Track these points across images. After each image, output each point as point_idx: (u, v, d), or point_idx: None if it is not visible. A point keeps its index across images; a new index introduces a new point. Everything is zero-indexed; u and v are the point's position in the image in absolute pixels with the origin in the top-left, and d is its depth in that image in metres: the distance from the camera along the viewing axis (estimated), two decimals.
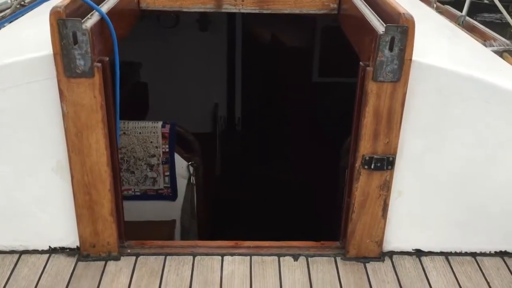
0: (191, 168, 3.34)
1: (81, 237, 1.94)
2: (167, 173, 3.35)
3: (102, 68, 1.70)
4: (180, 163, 3.33)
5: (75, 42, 1.64)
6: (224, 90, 5.28)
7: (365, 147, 1.84)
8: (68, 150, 1.80)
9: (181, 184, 3.39)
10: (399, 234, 2.02)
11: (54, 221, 1.96)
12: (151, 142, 3.27)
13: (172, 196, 3.41)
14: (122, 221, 2.05)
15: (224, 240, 2.11)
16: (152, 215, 3.44)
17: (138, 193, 3.39)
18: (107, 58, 1.75)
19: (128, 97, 4.81)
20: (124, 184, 3.34)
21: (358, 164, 1.87)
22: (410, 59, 1.72)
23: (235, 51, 5.24)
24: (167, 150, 3.29)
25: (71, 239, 1.99)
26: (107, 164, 1.83)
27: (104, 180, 1.85)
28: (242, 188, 5.30)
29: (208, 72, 5.17)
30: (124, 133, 3.23)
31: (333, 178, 3.80)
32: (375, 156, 1.85)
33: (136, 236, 3.33)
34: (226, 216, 4.86)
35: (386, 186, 1.90)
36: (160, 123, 3.25)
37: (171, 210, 3.45)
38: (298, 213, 4.96)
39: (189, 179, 3.37)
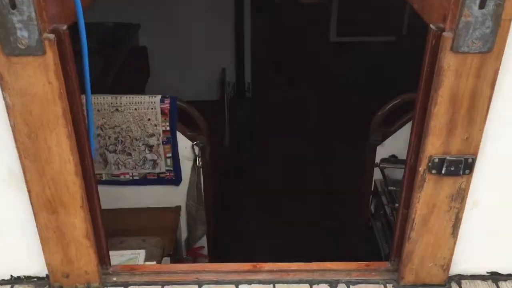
0: (196, 149, 2.78)
1: (49, 265, 1.41)
2: (169, 155, 2.79)
3: (57, 41, 1.12)
4: (184, 143, 2.77)
5: (13, 5, 1.05)
6: (232, 53, 4.66)
7: (434, 145, 1.27)
8: (20, 156, 1.24)
9: (186, 167, 2.83)
10: (471, 253, 1.47)
11: (14, 245, 1.43)
12: (149, 119, 2.70)
13: (176, 180, 2.86)
14: (103, 242, 1.50)
15: (239, 262, 1.56)
16: (154, 201, 2.90)
17: (137, 178, 2.85)
18: (65, 27, 1.17)
19: (124, 64, 4.24)
20: (120, 168, 2.79)
21: (422, 167, 1.30)
22: (510, 20, 1.13)
23: (244, 10, 4.58)
24: (167, 128, 2.72)
25: (37, 267, 1.46)
26: (75, 173, 1.27)
27: (74, 194, 1.29)
28: (253, 159, 4.76)
29: (213, 33, 4.54)
30: (117, 109, 2.65)
31: (357, 151, 3.24)
32: (448, 158, 1.28)
33: (136, 225, 2.83)
34: (236, 190, 4.34)
35: (460, 196, 1.33)
36: (158, 98, 2.66)
37: (175, 196, 2.91)
38: (313, 188, 4.43)
39: (194, 161, 2.81)
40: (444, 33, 1.16)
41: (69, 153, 1.24)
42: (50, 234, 1.35)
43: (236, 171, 4.58)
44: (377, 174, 2.88)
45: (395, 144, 2.83)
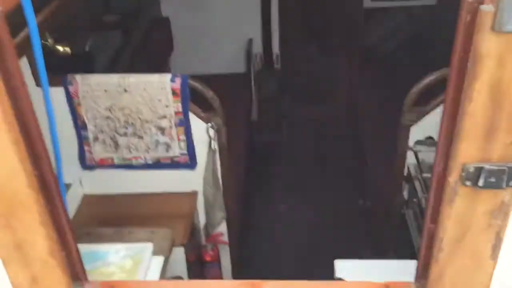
0: (211, 131, 2.54)
1: (15, 285, 1.22)
2: (182, 137, 2.56)
3: None
4: (198, 125, 2.53)
5: None
6: (259, 23, 4.34)
7: (468, 151, 0.98)
8: None
9: (201, 150, 2.60)
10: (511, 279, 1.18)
11: None
12: (160, 100, 2.46)
13: (191, 164, 2.64)
14: (75, 258, 1.29)
15: (237, 280, 1.32)
16: (169, 186, 2.70)
17: (150, 162, 2.64)
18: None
19: (145, 38, 4.01)
20: (132, 152, 2.59)
21: (454, 177, 1.02)
22: None
23: None
24: (180, 109, 2.48)
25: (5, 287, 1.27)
26: (29, 186, 1.05)
27: (29, 207, 1.08)
28: (282, 134, 4.50)
29: (239, 2, 4.23)
30: (125, 90, 2.43)
31: (389, 130, 2.92)
32: (487, 166, 0.98)
33: (150, 210, 2.64)
34: (264, 169, 4.10)
35: (503, 212, 1.04)
36: (168, 77, 2.42)
37: (191, 180, 2.70)
38: (345, 165, 4.13)
39: (209, 143, 2.58)
40: (483, 8, 0.85)
41: (16, 160, 1.01)
42: (10, 252, 1.15)
43: (264, 148, 4.34)
44: (412, 157, 2.57)
45: (432, 124, 2.50)
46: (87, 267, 2.05)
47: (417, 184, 2.44)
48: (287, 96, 4.56)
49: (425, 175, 2.33)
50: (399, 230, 2.67)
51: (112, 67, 3.31)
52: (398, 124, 2.57)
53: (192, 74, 4.06)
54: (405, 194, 2.64)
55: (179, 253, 2.47)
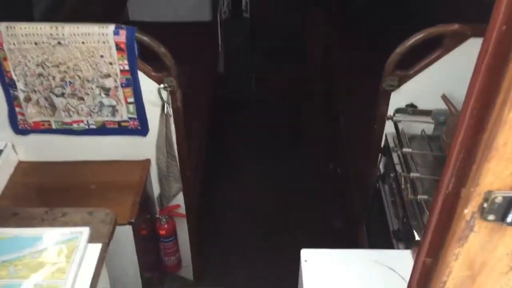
0: (163, 93, 2.15)
1: None
2: (131, 100, 2.18)
3: None
4: (148, 86, 2.14)
5: None
6: None
7: (498, 175, 0.64)
8: None
9: (153, 114, 2.22)
10: None
11: None
12: (102, 56, 2.05)
13: (142, 130, 2.27)
14: None
15: None
16: (117, 153, 2.33)
17: (94, 126, 2.25)
18: None
19: None
20: (72, 115, 2.19)
21: (471, 209, 0.68)
22: None
23: None
24: (126, 67, 2.08)
25: None
26: None
27: None
28: (250, 90, 4.12)
29: None
30: (59, 42, 2.00)
31: (365, 94, 2.58)
32: None
33: (95, 180, 2.28)
34: (228, 128, 3.74)
35: None
36: (111, 28, 1.99)
37: (142, 148, 2.33)
38: (318, 129, 3.80)
39: (162, 107, 2.19)
40: None
41: None
42: None
43: (230, 105, 3.96)
44: (390, 127, 2.25)
45: (414, 90, 2.16)
46: (11, 256, 1.71)
47: (395, 157, 2.13)
48: (257, 50, 4.15)
49: (405, 150, 2.01)
50: (373, 205, 2.38)
51: (57, 12, 2.84)
52: (374, 89, 2.23)
53: (152, 22, 3.64)
54: (381, 167, 2.33)
55: (125, 233, 2.13)
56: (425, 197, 1.79)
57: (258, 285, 2.84)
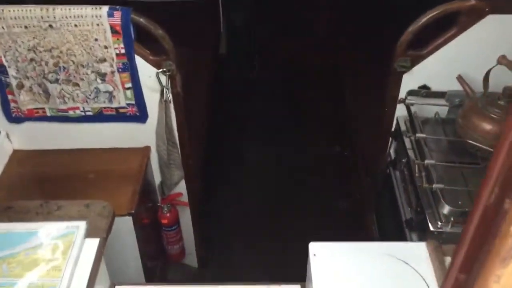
0: (162, 77, 2.03)
1: None
2: (128, 85, 2.06)
3: None
4: (146, 71, 2.02)
5: None
6: None
7: None
8: None
9: (152, 100, 2.11)
10: None
11: None
12: (96, 40, 1.93)
13: (140, 116, 2.15)
14: None
15: None
16: (115, 141, 2.22)
17: (90, 113, 2.14)
18: None
19: None
20: (68, 101, 2.08)
21: None
22: None
23: None
24: (122, 51, 1.96)
25: None
26: None
27: None
28: (254, 71, 3.98)
29: None
30: (51, 26, 1.88)
31: (374, 74, 2.46)
32: None
33: (93, 168, 2.18)
34: (231, 109, 3.62)
35: None
36: (105, 10, 1.86)
37: (141, 135, 2.22)
38: (326, 110, 3.67)
39: (161, 92, 2.08)
40: None
41: None
42: None
43: (233, 86, 3.83)
44: (401, 110, 2.13)
45: (428, 71, 2.03)
46: (5, 253, 1.63)
47: (407, 141, 2.01)
48: (260, 28, 4.00)
49: (419, 135, 1.89)
50: (384, 192, 2.27)
51: None
52: (385, 67, 2.10)
53: (151, 1, 3.48)
54: (392, 151, 2.21)
55: (126, 224, 2.04)
56: (441, 185, 1.68)
57: (263, 272, 2.76)
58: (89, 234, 1.67)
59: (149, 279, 2.30)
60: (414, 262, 1.55)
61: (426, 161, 1.75)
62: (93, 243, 1.64)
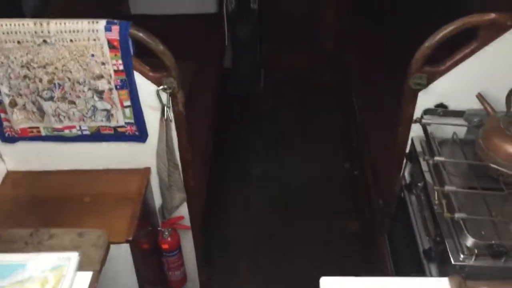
0: (163, 95, 1.90)
1: None
2: (127, 103, 1.93)
3: None
4: (146, 88, 1.89)
5: None
6: None
7: None
8: None
9: (152, 119, 1.98)
10: None
11: None
12: (93, 55, 1.80)
13: (140, 136, 2.02)
14: None
15: None
16: (113, 162, 2.09)
17: (87, 132, 2.01)
18: None
19: None
20: (63, 120, 1.95)
21: None
22: None
23: None
24: (120, 67, 1.83)
25: None
26: None
27: None
28: (260, 86, 3.86)
29: None
30: (45, 41, 1.76)
31: (386, 90, 2.33)
32: None
33: (90, 191, 2.05)
34: (236, 126, 3.49)
35: None
36: (102, 24, 1.74)
37: (141, 155, 2.09)
38: (334, 126, 3.54)
39: (162, 111, 1.95)
40: None
41: None
42: None
43: (238, 101, 3.71)
44: (417, 129, 1.99)
45: (445, 88, 1.89)
46: None
47: (423, 164, 1.87)
48: (265, 42, 3.88)
49: (437, 158, 1.74)
50: (396, 214, 2.12)
51: (49, 5, 2.59)
52: (398, 81, 1.96)
53: (154, 14, 3.38)
54: (406, 174, 2.07)
55: (123, 252, 1.90)
56: (463, 215, 1.53)
57: None
58: (81, 266, 1.53)
59: None
60: None
61: (447, 188, 1.61)
62: (86, 277, 1.51)
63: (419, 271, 1.76)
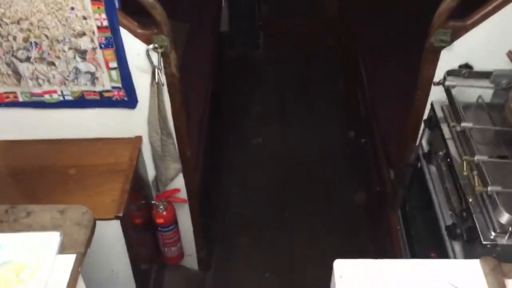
0: (154, 55, 1.68)
1: None
2: (113, 64, 1.70)
3: None
4: (134, 47, 1.66)
5: None
6: None
7: None
8: None
9: (141, 82, 1.75)
10: None
11: None
12: (72, 8, 1.56)
13: (129, 101, 1.80)
14: None
15: None
16: (101, 131, 1.87)
17: (70, 97, 1.79)
18: None
19: None
20: (43, 84, 1.72)
21: None
22: None
23: None
24: (104, 23, 1.60)
25: None
26: None
27: None
28: (259, 49, 3.61)
29: None
30: None
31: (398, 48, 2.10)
32: None
33: (75, 162, 1.84)
34: (234, 92, 3.26)
35: None
36: None
37: (131, 123, 1.87)
38: (337, 90, 3.32)
39: (153, 74, 1.72)
40: None
41: None
42: None
43: (236, 66, 3.47)
44: (436, 93, 1.78)
45: (470, 46, 1.68)
46: None
47: (445, 131, 1.66)
48: (265, 3, 3.61)
49: (465, 124, 1.54)
50: (411, 186, 1.93)
51: None
52: (413, 46, 1.75)
53: None
54: (424, 143, 1.86)
55: (113, 229, 1.70)
56: (498, 188, 1.34)
57: (270, 274, 2.44)
58: (63, 248, 1.34)
59: (142, 285, 1.99)
60: (466, 286, 1.21)
61: (477, 157, 1.40)
62: (68, 260, 1.31)
63: (440, 251, 1.58)
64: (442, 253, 1.55)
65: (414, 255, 1.81)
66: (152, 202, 2.07)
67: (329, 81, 3.41)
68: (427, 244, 1.70)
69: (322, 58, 3.59)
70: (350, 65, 3.05)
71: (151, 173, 2.05)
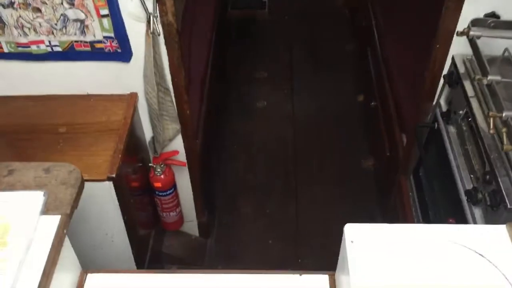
0: (148, 2, 1.52)
1: None
2: (105, 12, 1.55)
3: None
4: None
5: None
6: None
7: None
8: None
9: (136, 32, 1.60)
10: None
11: None
12: None
13: (122, 53, 1.66)
14: None
15: None
16: (93, 85, 1.74)
17: (58, 48, 1.65)
18: None
19: None
20: (29, 33, 1.58)
21: None
22: None
23: None
24: None
25: None
26: None
27: None
28: (265, 7, 3.44)
29: None
30: None
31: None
32: None
33: (64, 120, 1.72)
34: (237, 53, 3.10)
35: None
36: None
37: (125, 78, 1.74)
38: (347, 50, 3.15)
39: (148, 22, 1.57)
40: None
41: None
42: None
43: (240, 25, 3.30)
44: (458, 45, 1.62)
45: None
46: None
47: (468, 88, 1.51)
48: None
49: (492, 77, 1.38)
50: (426, 149, 1.79)
51: None
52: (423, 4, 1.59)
53: None
54: (443, 101, 1.71)
55: (106, 190, 1.59)
56: None
57: (274, 242, 2.34)
58: (47, 209, 1.22)
59: (139, 250, 1.89)
60: (491, 253, 1.09)
61: (506, 113, 1.26)
62: (52, 222, 1.20)
63: (458, 217, 1.45)
64: (461, 220, 1.43)
65: (428, 222, 1.69)
66: (149, 164, 1.95)
67: (338, 42, 3.24)
68: (444, 210, 1.57)
69: (330, 18, 3.41)
70: (361, 23, 2.88)
71: (148, 133, 1.92)
